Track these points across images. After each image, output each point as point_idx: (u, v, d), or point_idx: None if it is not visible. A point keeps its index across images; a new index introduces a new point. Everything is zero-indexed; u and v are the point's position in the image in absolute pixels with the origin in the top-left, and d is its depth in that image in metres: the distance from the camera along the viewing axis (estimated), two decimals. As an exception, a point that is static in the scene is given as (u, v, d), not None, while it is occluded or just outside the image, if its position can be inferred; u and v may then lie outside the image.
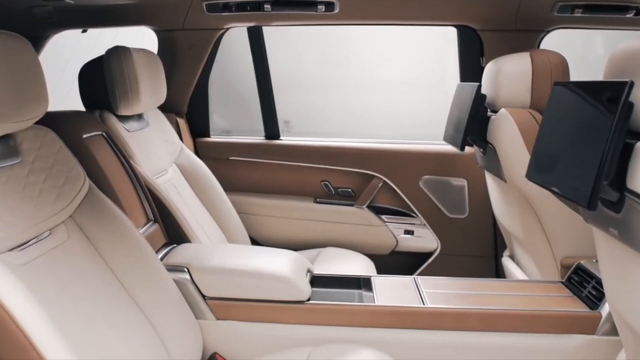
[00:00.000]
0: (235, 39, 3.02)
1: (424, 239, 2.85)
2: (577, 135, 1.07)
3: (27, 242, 1.24)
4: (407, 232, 2.86)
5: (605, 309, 1.60)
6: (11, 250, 1.18)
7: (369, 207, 2.86)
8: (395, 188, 2.83)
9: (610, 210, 1.04)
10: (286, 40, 3.53)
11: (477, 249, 2.81)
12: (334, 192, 2.91)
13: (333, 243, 2.81)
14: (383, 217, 2.86)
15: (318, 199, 2.92)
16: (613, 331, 1.57)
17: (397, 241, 2.85)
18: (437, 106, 3.00)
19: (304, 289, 1.68)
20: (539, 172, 1.23)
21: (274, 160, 2.93)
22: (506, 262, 2.48)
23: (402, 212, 2.87)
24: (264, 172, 2.95)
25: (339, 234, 2.87)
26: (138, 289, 1.45)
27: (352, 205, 2.88)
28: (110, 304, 1.36)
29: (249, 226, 2.79)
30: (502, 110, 2.03)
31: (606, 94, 0.99)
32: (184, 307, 1.61)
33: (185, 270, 1.69)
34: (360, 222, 2.86)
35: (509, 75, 2.07)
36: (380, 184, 2.85)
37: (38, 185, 1.34)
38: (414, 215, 2.85)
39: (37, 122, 1.38)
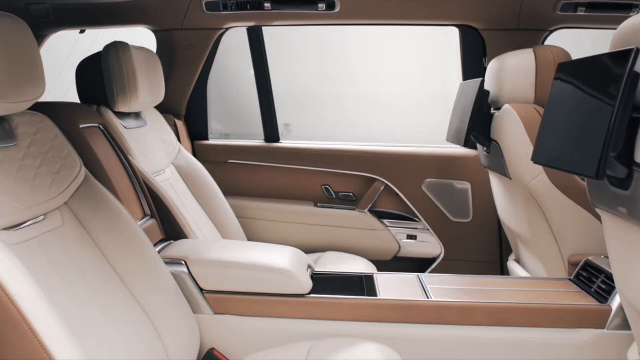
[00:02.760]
0: (234, 43, 3.01)
1: (427, 244, 2.80)
2: (582, 112, 1.05)
3: (21, 223, 1.22)
4: (410, 236, 2.81)
5: (615, 302, 1.56)
6: (5, 229, 1.17)
7: (370, 211, 2.82)
8: (398, 191, 2.79)
9: (619, 188, 1.02)
10: (284, 52, 3.51)
11: (481, 253, 2.76)
12: (334, 196, 2.87)
13: (334, 248, 2.77)
14: (385, 221, 2.81)
15: (318, 203, 2.88)
16: (624, 325, 1.53)
17: (399, 246, 2.80)
18: (437, 121, 2.95)
19: (304, 282, 1.63)
20: (544, 153, 1.20)
21: (274, 164, 2.89)
22: (512, 265, 2.43)
23: (404, 216, 2.82)
24: (263, 176, 2.91)
25: (340, 238, 2.82)
26: (133, 278, 1.42)
27: (353, 209, 2.83)
28: (104, 292, 1.33)
29: (248, 230, 2.74)
30: (506, 106, 2.00)
31: (611, 65, 0.96)
32: (181, 301, 1.56)
33: (183, 262, 1.65)
34: (362, 227, 2.81)
35: (512, 71, 2.04)
36: (382, 188, 2.81)
37: (33, 169, 1.32)
38: (417, 220, 2.80)
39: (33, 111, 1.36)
